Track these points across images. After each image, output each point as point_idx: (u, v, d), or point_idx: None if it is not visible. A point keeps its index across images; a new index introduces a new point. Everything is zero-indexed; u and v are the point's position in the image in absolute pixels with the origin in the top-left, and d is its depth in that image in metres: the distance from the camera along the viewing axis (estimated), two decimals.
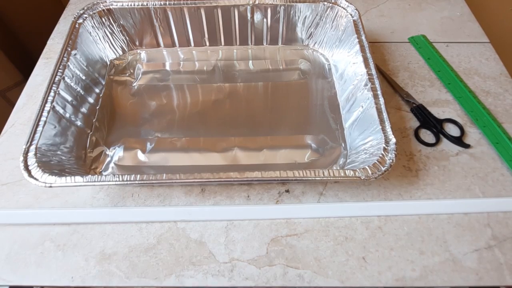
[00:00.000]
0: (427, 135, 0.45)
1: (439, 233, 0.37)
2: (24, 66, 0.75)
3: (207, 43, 0.55)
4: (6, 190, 0.41)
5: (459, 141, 0.44)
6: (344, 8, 0.49)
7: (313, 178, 0.35)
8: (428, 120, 0.45)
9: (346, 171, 0.35)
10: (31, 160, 0.36)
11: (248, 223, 0.38)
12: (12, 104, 0.49)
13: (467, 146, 0.43)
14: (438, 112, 0.47)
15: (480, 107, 0.46)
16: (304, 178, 0.35)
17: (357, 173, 0.35)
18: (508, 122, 0.45)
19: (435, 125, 0.45)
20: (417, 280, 0.35)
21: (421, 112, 0.46)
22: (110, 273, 0.35)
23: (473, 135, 0.45)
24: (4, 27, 0.73)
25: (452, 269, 0.35)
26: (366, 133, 0.40)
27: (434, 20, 0.58)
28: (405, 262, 0.36)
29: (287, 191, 0.41)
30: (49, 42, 0.57)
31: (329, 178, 0.35)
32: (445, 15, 0.59)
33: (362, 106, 0.42)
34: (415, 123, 0.46)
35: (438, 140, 0.44)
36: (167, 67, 0.53)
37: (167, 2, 0.50)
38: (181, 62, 0.54)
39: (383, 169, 0.35)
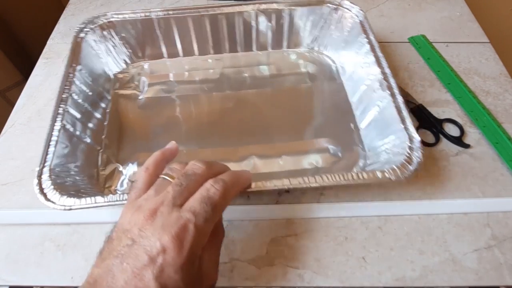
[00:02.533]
0: (427, 135, 0.45)
1: (439, 233, 0.37)
2: (24, 66, 0.76)
3: (212, 51, 0.53)
4: (6, 190, 0.41)
5: (459, 141, 0.44)
6: (348, 10, 0.49)
7: (347, 183, 0.34)
8: (428, 120, 0.45)
9: (377, 172, 0.34)
10: (46, 183, 0.35)
11: (248, 223, 0.38)
12: (12, 104, 0.49)
13: (467, 146, 0.43)
14: (438, 112, 0.47)
15: (480, 107, 0.46)
16: (337, 183, 0.34)
17: (386, 175, 0.34)
18: (508, 122, 0.45)
19: (435, 125, 0.45)
20: (417, 280, 0.35)
21: (421, 112, 0.46)
22: None
23: (473, 135, 0.45)
24: (4, 27, 0.73)
25: (452, 269, 0.35)
26: (386, 133, 0.40)
27: (434, 20, 0.58)
28: (405, 262, 0.36)
29: (287, 191, 0.41)
30: (49, 42, 0.57)
31: (358, 181, 0.34)
32: (445, 15, 0.59)
33: (379, 106, 0.41)
34: (414, 123, 0.46)
35: (438, 140, 0.44)
36: (173, 78, 0.52)
37: (170, 12, 0.49)
38: (187, 72, 0.52)
39: (411, 168, 0.35)
